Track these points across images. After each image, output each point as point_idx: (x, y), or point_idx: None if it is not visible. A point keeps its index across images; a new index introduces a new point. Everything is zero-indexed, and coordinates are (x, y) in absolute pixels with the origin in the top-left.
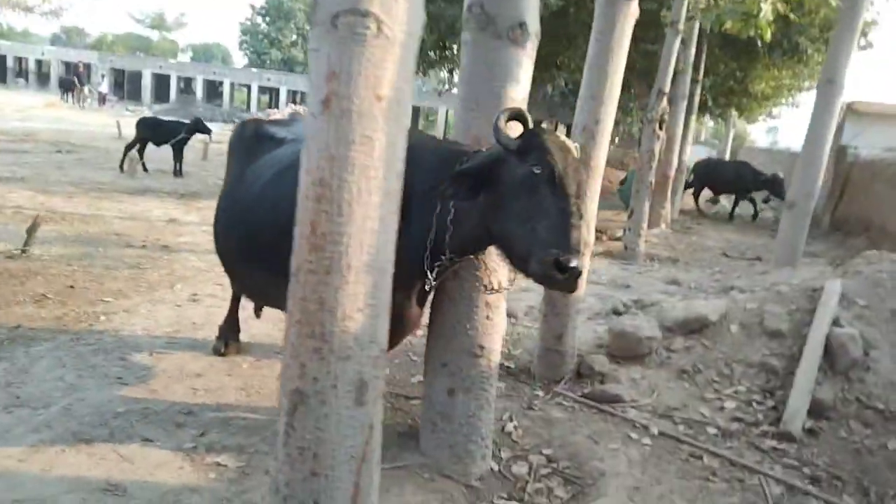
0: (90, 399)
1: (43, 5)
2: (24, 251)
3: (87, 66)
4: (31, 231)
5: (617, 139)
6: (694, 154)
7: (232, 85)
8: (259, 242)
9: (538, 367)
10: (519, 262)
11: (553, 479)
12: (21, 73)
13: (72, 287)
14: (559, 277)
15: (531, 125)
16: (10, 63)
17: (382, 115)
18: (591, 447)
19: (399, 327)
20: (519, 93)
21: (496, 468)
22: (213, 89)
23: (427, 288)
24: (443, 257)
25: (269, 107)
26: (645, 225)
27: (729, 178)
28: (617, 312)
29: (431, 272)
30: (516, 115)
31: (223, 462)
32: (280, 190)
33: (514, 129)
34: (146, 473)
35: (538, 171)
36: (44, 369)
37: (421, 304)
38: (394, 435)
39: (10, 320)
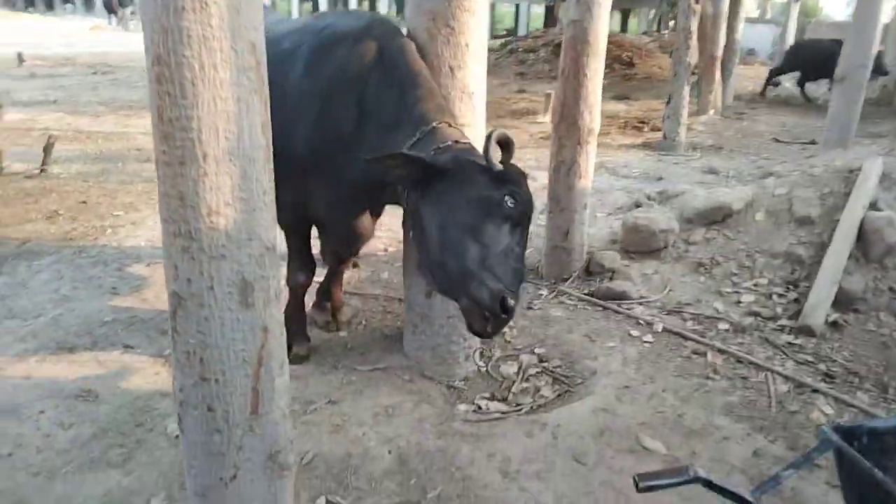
0: (80, 309)
1: None
2: (42, 170)
3: None
4: (46, 150)
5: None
6: (756, 34)
7: None
8: None
9: (545, 266)
10: (448, 280)
11: (541, 379)
12: None
13: (84, 203)
14: (499, 314)
15: (513, 154)
16: None
17: None
18: (586, 346)
19: (353, 236)
20: None
21: (484, 368)
22: None
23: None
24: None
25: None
26: (685, 111)
27: (824, 59)
28: (640, 206)
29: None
30: (504, 141)
31: None
32: None
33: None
34: (121, 379)
35: (511, 206)
36: (41, 283)
37: (375, 214)
38: (380, 338)
39: (19, 236)
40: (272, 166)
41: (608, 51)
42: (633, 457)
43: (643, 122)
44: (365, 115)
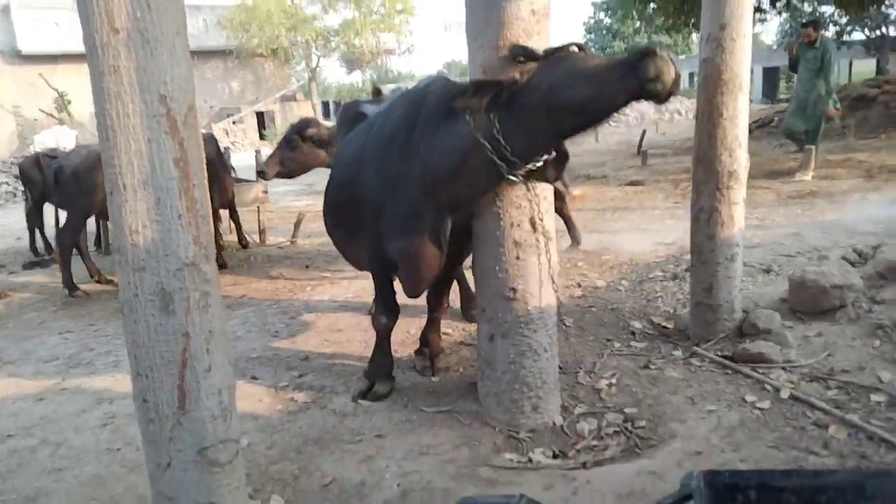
0: (240, 347)
1: (400, 48)
2: (292, 241)
3: None
4: (296, 226)
5: None
6: None
7: None
8: (338, 208)
9: (691, 326)
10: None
11: (614, 439)
12: None
13: (307, 266)
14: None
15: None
16: None
17: (123, 46)
18: (682, 408)
19: (418, 267)
20: None
21: (559, 423)
22: None
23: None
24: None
25: None
26: None
27: None
28: (848, 260)
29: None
30: None
31: (296, 398)
32: (343, 161)
33: None
34: None
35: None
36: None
37: (438, 245)
38: (465, 384)
39: (245, 292)
40: (200, 192)
41: None
42: None
43: None
44: (417, 139)
